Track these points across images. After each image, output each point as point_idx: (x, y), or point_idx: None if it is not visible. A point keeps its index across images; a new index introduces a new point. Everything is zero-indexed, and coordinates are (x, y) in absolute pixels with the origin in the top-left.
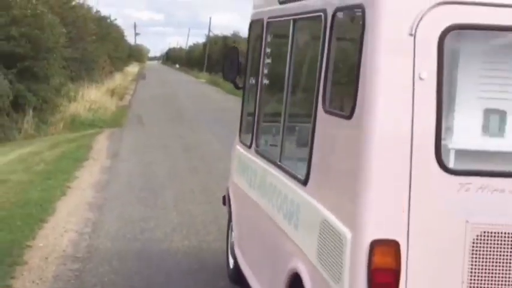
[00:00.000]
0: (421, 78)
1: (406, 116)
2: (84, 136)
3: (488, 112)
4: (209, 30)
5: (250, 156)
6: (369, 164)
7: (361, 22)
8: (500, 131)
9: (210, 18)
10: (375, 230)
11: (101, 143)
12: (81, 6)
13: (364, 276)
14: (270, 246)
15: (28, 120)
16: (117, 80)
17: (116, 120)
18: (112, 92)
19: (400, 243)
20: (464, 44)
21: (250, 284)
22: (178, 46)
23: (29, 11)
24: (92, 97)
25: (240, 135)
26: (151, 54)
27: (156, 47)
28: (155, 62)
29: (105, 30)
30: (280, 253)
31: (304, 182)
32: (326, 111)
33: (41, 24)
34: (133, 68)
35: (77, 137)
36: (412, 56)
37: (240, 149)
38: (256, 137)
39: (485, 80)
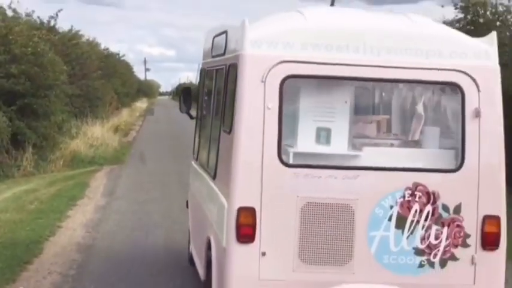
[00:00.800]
0: (268, 108)
1: (260, 132)
2: (83, 174)
3: (319, 129)
4: None
5: (195, 166)
6: (237, 161)
7: (237, 73)
8: (327, 142)
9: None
10: (240, 201)
11: (99, 180)
12: (87, 43)
13: (234, 229)
14: (201, 225)
15: (27, 158)
16: (124, 115)
17: (117, 157)
18: (116, 129)
19: (256, 209)
20: (302, 85)
21: (194, 260)
22: (189, 81)
23: (30, 49)
24: (94, 134)
25: (193, 154)
26: (162, 89)
27: (167, 82)
28: (166, 97)
29: (112, 67)
30: (204, 227)
31: (213, 177)
32: (224, 131)
33: (41, 62)
34: (142, 104)
35: (75, 175)
36: (263, 94)
37: (192, 163)
38: (197, 152)
39: (316, 108)
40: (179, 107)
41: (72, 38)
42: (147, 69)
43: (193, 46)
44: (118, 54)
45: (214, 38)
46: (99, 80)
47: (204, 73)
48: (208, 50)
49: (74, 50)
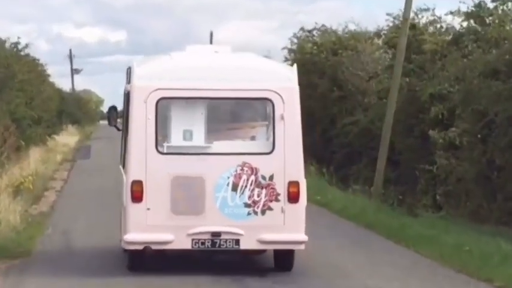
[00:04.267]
0: (149, 118)
1: (143, 133)
2: None
3: (185, 131)
4: None
5: (121, 169)
6: (130, 152)
7: (129, 96)
8: (190, 138)
9: (212, 34)
10: (132, 176)
11: None
12: None
13: (129, 194)
14: (121, 200)
15: None
16: (33, 163)
17: (19, 244)
18: (16, 189)
19: (142, 181)
20: (172, 104)
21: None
22: None
23: None
24: None
25: (120, 161)
26: (108, 104)
27: (115, 92)
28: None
29: (3, 69)
30: (121, 200)
31: (123, 166)
32: (124, 135)
33: None
34: (69, 137)
35: None
36: (145, 110)
37: (120, 168)
38: (121, 158)
39: (183, 118)
40: (108, 122)
41: None
42: (75, 71)
43: (160, 21)
44: (16, 45)
45: (127, 69)
46: None
47: (124, 95)
48: (126, 78)
49: None
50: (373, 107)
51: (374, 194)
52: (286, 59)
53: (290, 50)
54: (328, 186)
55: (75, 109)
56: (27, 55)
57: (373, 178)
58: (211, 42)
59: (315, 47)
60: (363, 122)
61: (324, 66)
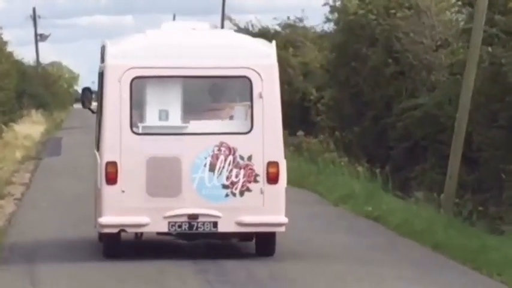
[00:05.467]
0: (123, 99)
1: (118, 114)
2: None
3: (160, 111)
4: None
5: (95, 152)
6: (104, 133)
7: (103, 76)
8: (166, 118)
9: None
10: (107, 157)
11: None
12: None
13: (104, 176)
14: (95, 183)
15: None
16: None
17: None
18: None
19: (117, 162)
20: (148, 83)
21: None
22: None
23: None
24: None
25: (95, 143)
26: (85, 83)
27: (96, 65)
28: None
29: None
30: (95, 182)
31: (97, 148)
32: (99, 116)
33: None
34: (33, 127)
35: None
36: (119, 89)
37: (95, 151)
38: (96, 140)
39: (158, 97)
40: (82, 104)
41: None
42: (40, 37)
43: None
44: None
45: (101, 47)
46: None
47: (98, 75)
48: (100, 57)
49: None
50: (443, 86)
51: (444, 204)
52: (328, 20)
53: (332, 8)
54: (383, 194)
55: (41, 89)
56: None
57: (442, 183)
58: (223, 4)
59: (363, 6)
60: (429, 107)
61: (375, 31)
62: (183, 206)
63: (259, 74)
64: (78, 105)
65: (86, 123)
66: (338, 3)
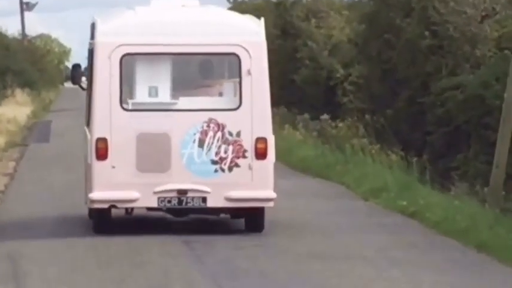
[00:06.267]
0: (112, 75)
1: (108, 90)
2: None
3: (150, 88)
4: None
5: (85, 128)
6: (95, 109)
7: (93, 53)
8: (156, 95)
9: None
10: (97, 133)
11: None
12: None
13: (94, 152)
14: (85, 158)
15: None
16: None
17: None
18: None
19: (107, 138)
20: (137, 60)
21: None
22: None
23: None
24: None
25: (85, 120)
26: (77, 59)
27: (84, 39)
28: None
29: None
30: (85, 157)
31: (87, 124)
32: (89, 93)
33: None
34: (16, 108)
35: None
36: (109, 66)
37: (85, 127)
38: (86, 117)
39: (148, 73)
40: (72, 81)
41: None
42: (26, 6)
43: None
44: None
45: (91, 24)
46: None
47: (88, 51)
48: (90, 34)
49: None
50: (489, 62)
51: (490, 198)
52: None
53: None
54: (420, 186)
55: (27, 65)
56: None
57: (488, 173)
58: None
59: None
60: (473, 86)
61: None
62: (173, 182)
63: (247, 51)
64: (69, 84)
65: (79, 105)
66: None
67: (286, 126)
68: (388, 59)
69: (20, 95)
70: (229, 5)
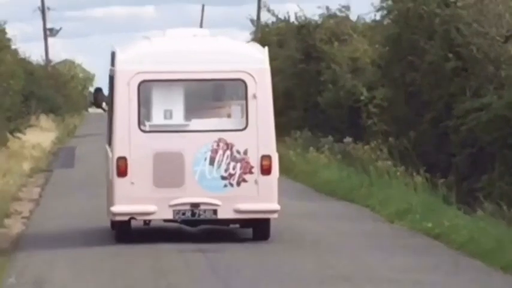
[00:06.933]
0: (131, 100)
1: (127, 114)
2: None
3: (165, 111)
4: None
5: (107, 147)
6: (116, 131)
7: (114, 79)
8: (170, 117)
9: None
10: (118, 153)
11: None
12: None
13: (115, 169)
14: (107, 175)
15: None
16: None
17: None
18: None
19: (127, 157)
20: (154, 86)
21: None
22: None
23: None
24: None
25: (106, 140)
26: (102, 85)
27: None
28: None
29: None
30: (107, 174)
31: (109, 144)
32: (110, 115)
33: None
34: (41, 134)
35: None
36: (128, 92)
37: (106, 146)
38: (107, 137)
39: (163, 98)
40: (94, 104)
41: None
42: (50, 32)
43: None
44: None
45: (111, 53)
46: None
47: (109, 77)
48: (110, 61)
49: None
50: None
51: None
52: (382, 8)
53: None
54: (445, 208)
55: (51, 91)
56: None
57: None
58: None
59: None
60: (497, 107)
61: (434, 21)
62: (186, 196)
63: (253, 77)
64: (93, 110)
65: (102, 130)
66: None
67: (311, 149)
68: (412, 81)
69: (45, 120)
70: (253, 28)
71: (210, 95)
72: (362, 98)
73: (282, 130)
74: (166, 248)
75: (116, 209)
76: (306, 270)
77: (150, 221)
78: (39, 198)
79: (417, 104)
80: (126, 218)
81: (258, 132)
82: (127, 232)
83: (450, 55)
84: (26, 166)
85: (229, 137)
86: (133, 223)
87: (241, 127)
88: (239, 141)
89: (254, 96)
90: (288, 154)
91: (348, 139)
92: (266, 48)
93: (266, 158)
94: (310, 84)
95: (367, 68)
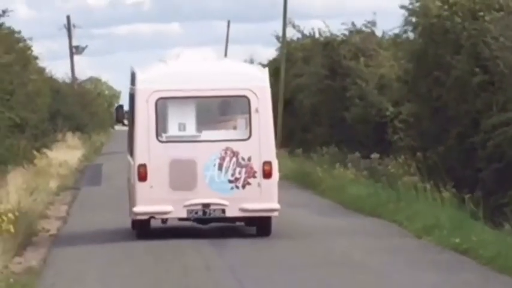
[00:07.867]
0: (150, 115)
1: (146, 126)
2: None
3: (179, 124)
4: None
5: (129, 157)
6: (136, 142)
7: (134, 97)
8: (184, 130)
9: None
10: (139, 160)
11: None
12: None
13: (136, 175)
14: (128, 180)
15: None
16: (13, 192)
17: None
18: None
19: (147, 164)
20: (169, 102)
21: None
22: None
23: None
24: None
25: (127, 150)
26: (125, 101)
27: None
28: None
29: None
30: (129, 180)
31: (131, 154)
32: (131, 128)
33: None
34: (67, 152)
35: None
36: (147, 108)
37: (128, 156)
38: (128, 148)
39: (177, 113)
40: (116, 119)
41: None
42: (76, 50)
43: None
44: None
45: (131, 73)
46: None
47: (129, 95)
48: (130, 81)
49: None
50: None
51: None
52: (407, 23)
53: (411, 11)
54: (473, 223)
55: (77, 108)
56: (1, 26)
57: None
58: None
59: (446, 7)
60: None
61: (460, 36)
62: (198, 197)
63: (255, 94)
64: (119, 127)
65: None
66: (417, 5)
67: (337, 165)
68: (438, 97)
69: (71, 138)
70: (278, 45)
71: (218, 109)
72: (388, 113)
73: (309, 146)
74: (181, 243)
75: (137, 209)
76: (334, 286)
77: (167, 219)
78: (66, 216)
79: (443, 119)
80: (146, 217)
81: (260, 141)
82: (147, 230)
83: (477, 69)
84: (53, 184)
85: (235, 145)
86: (152, 221)
87: (245, 137)
88: (244, 149)
89: (256, 111)
90: (315, 171)
91: (375, 155)
92: (266, 68)
93: (267, 163)
94: (336, 100)
95: (393, 83)
